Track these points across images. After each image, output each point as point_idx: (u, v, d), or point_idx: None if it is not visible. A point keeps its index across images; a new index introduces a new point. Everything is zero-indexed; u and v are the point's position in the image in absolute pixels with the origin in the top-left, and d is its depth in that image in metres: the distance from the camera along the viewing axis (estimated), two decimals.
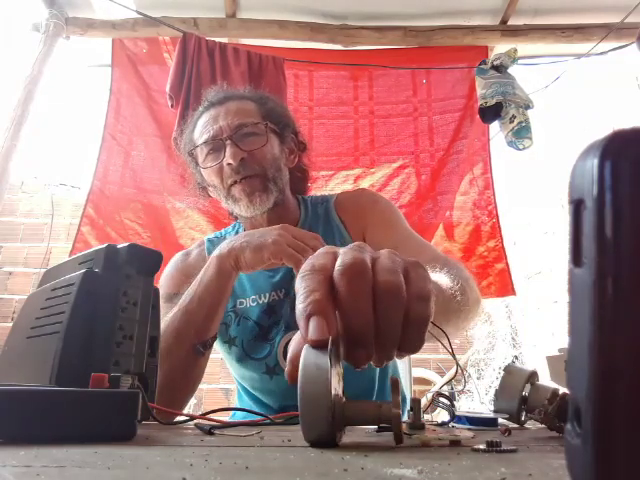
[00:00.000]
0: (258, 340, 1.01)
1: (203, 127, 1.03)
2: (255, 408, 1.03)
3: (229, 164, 0.96)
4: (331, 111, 2.43)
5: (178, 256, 1.11)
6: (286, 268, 1.02)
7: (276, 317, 1.01)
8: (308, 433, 0.33)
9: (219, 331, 1.04)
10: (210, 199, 1.15)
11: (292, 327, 0.99)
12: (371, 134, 2.41)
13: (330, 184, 2.33)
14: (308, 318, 0.34)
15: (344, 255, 0.38)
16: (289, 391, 0.97)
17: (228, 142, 0.98)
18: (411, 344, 0.37)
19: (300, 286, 0.36)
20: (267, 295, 1.02)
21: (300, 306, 0.35)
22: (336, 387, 0.34)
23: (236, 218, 1.13)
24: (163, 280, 1.05)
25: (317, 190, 2.21)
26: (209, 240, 1.13)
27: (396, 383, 0.35)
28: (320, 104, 2.43)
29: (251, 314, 1.02)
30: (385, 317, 0.35)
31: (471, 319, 0.82)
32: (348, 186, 2.31)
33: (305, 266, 0.38)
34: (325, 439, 0.33)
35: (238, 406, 1.14)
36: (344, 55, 2.47)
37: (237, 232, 1.12)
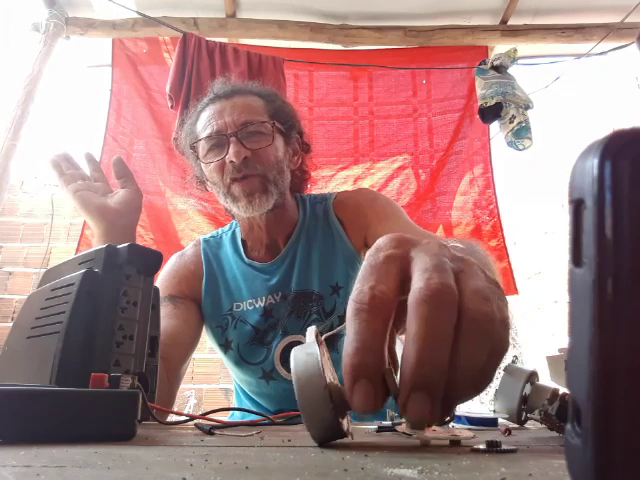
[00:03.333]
0: (254, 344, 1.00)
1: (207, 120, 0.99)
2: (253, 409, 1.02)
3: (232, 162, 0.93)
4: (331, 112, 2.43)
5: (173, 258, 1.10)
6: (283, 270, 1.01)
7: (273, 320, 0.99)
8: (311, 421, 0.32)
9: (215, 334, 1.03)
10: (209, 200, 1.13)
11: (289, 331, 0.98)
12: (371, 135, 2.41)
13: (330, 185, 2.34)
14: (353, 381, 0.29)
15: (427, 274, 0.30)
16: (286, 395, 0.97)
17: (232, 139, 0.94)
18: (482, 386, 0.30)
19: (351, 326, 0.30)
20: (263, 299, 1.01)
21: (347, 360, 0.29)
22: (330, 377, 0.34)
23: (233, 216, 1.10)
24: (158, 282, 1.03)
25: (317, 192, 2.21)
26: (205, 240, 1.11)
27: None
28: (320, 105, 2.43)
29: (248, 317, 1.01)
30: (466, 360, 0.28)
31: None
32: (348, 187, 2.31)
33: (361, 292, 0.30)
34: (329, 424, 0.32)
35: (236, 406, 1.13)
36: (344, 55, 2.48)
37: (233, 232, 1.10)
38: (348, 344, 0.30)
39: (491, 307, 0.29)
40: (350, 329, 0.30)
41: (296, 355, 0.33)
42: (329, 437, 0.33)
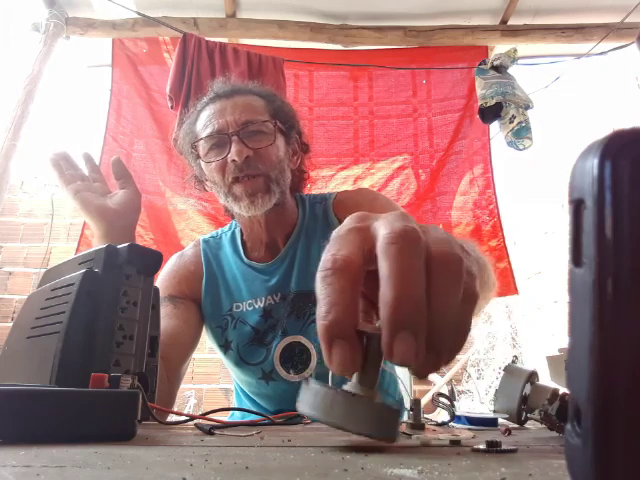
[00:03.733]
0: (254, 344, 0.99)
1: (208, 119, 0.99)
2: (252, 409, 1.02)
3: (234, 161, 0.93)
4: (331, 112, 2.43)
5: (173, 258, 1.09)
6: (283, 270, 1.01)
7: (272, 321, 0.99)
8: (363, 424, 0.31)
9: (215, 335, 1.03)
10: (209, 199, 1.12)
11: (288, 332, 0.98)
12: (371, 135, 2.41)
13: (330, 185, 2.34)
14: (329, 343, 0.29)
15: (389, 224, 0.30)
16: (285, 396, 0.97)
17: (234, 138, 0.94)
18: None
19: (319, 292, 0.30)
20: (263, 299, 1.00)
21: (320, 323, 0.29)
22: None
23: (232, 216, 1.09)
24: (158, 283, 1.02)
25: (317, 192, 2.21)
26: (205, 241, 1.10)
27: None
28: (320, 105, 2.43)
29: (247, 318, 1.00)
30: (442, 299, 0.28)
31: (488, 302, 0.79)
32: (348, 187, 2.31)
33: (324, 261, 0.31)
34: (372, 413, 0.31)
35: (236, 406, 1.13)
36: (344, 55, 2.48)
37: (233, 232, 1.09)
38: (318, 309, 0.29)
39: (456, 250, 0.30)
40: (318, 296, 0.30)
41: (300, 397, 0.33)
42: (387, 421, 0.32)
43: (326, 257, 0.31)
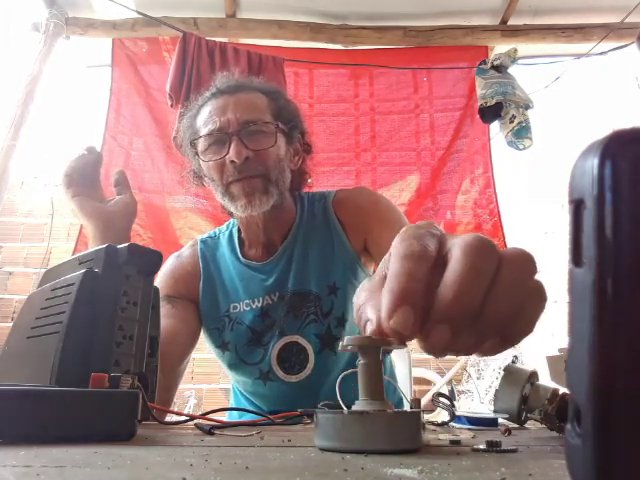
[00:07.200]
0: (252, 345, 0.99)
1: (209, 116, 0.97)
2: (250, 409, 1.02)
3: (232, 162, 0.91)
4: (331, 108, 2.43)
5: (170, 259, 1.09)
6: (280, 269, 1.00)
7: (270, 321, 0.99)
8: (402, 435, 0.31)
9: (212, 336, 1.03)
10: (208, 197, 1.11)
11: (286, 332, 0.98)
12: (372, 131, 2.41)
13: (331, 180, 2.33)
14: (397, 304, 0.30)
15: (467, 236, 0.32)
16: (282, 396, 0.97)
17: (234, 138, 0.92)
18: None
19: (401, 265, 0.31)
20: (260, 299, 1.00)
21: (395, 286, 0.30)
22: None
23: (230, 214, 1.08)
24: (156, 283, 1.02)
25: (318, 187, 2.21)
26: (202, 241, 1.10)
27: None
28: (320, 101, 2.43)
29: (244, 319, 1.00)
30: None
31: None
32: (349, 182, 2.30)
33: (409, 246, 0.32)
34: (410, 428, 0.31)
35: (233, 405, 1.13)
36: (344, 55, 2.48)
37: (230, 231, 1.09)
38: (394, 275, 0.30)
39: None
40: (396, 265, 0.31)
41: (315, 432, 0.33)
42: (408, 429, 0.32)
43: (408, 245, 0.32)
